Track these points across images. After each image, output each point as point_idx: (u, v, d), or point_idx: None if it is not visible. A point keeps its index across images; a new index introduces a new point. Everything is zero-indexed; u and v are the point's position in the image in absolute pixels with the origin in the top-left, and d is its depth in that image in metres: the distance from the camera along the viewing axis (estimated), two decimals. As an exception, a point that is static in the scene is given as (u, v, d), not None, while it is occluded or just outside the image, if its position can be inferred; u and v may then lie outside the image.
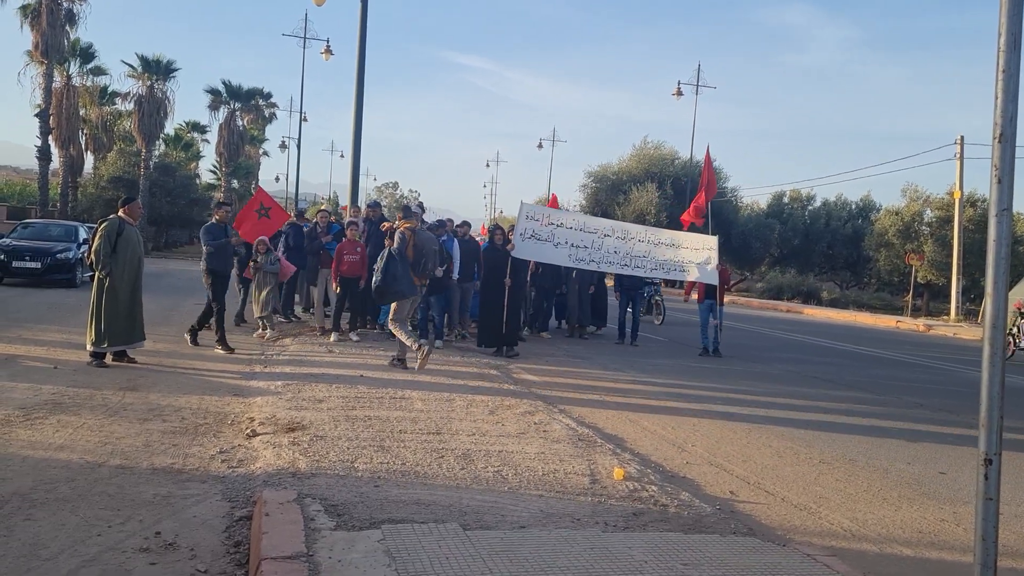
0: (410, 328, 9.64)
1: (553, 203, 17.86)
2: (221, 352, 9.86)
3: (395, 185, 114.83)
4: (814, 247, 41.41)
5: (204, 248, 10.34)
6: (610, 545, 4.00)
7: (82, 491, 4.55)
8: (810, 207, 43.47)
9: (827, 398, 9.75)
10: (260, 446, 5.66)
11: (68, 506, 4.30)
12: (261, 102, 50.69)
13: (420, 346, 8.79)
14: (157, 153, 42.70)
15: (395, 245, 9.20)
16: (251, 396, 7.41)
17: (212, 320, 10.20)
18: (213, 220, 10.90)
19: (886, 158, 63.89)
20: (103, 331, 8.42)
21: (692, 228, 14.44)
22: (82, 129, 40.31)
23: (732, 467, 6.16)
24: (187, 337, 10.39)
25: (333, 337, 11.29)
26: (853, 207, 42.63)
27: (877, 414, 8.91)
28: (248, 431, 6.10)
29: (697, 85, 38.92)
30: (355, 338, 11.40)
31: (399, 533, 3.94)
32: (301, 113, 41.98)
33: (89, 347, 8.48)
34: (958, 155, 28.54)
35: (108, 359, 8.55)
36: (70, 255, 17.27)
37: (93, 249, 8.59)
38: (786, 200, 43.45)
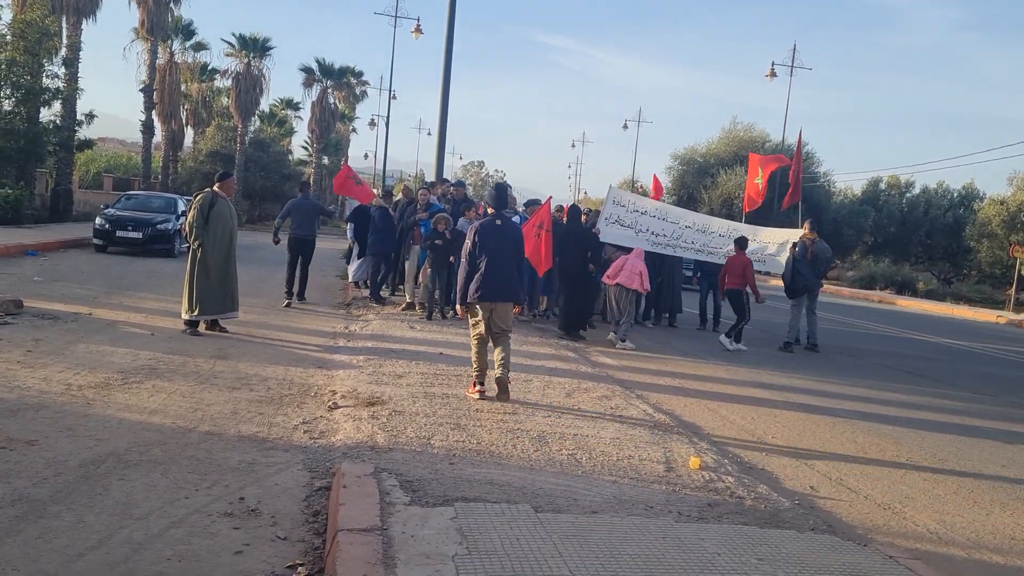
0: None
1: (656, 186, 18.76)
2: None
3: (481, 164, 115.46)
4: (911, 236, 39.78)
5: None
6: (682, 535, 3.96)
7: (173, 455, 4.76)
8: (908, 194, 41.72)
9: (918, 394, 9.40)
10: (341, 419, 5.81)
11: (159, 468, 4.51)
12: (352, 80, 51.55)
13: None
14: (252, 129, 43.97)
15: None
16: (334, 369, 7.60)
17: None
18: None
19: (992, 145, 60.19)
20: (196, 301, 8.75)
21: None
22: (183, 104, 41.82)
23: (813, 461, 6.01)
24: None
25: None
26: (955, 195, 40.72)
27: (971, 413, 8.54)
28: (330, 403, 6.27)
29: (792, 66, 37.62)
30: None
31: (471, 511, 3.99)
32: (390, 91, 42.50)
33: (184, 315, 8.84)
34: (1073, 142, 26.89)
35: (201, 328, 8.89)
36: (169, 226, 17.98)
37: (187, 221, 8.94)
38: (883, 186, 41.82)
